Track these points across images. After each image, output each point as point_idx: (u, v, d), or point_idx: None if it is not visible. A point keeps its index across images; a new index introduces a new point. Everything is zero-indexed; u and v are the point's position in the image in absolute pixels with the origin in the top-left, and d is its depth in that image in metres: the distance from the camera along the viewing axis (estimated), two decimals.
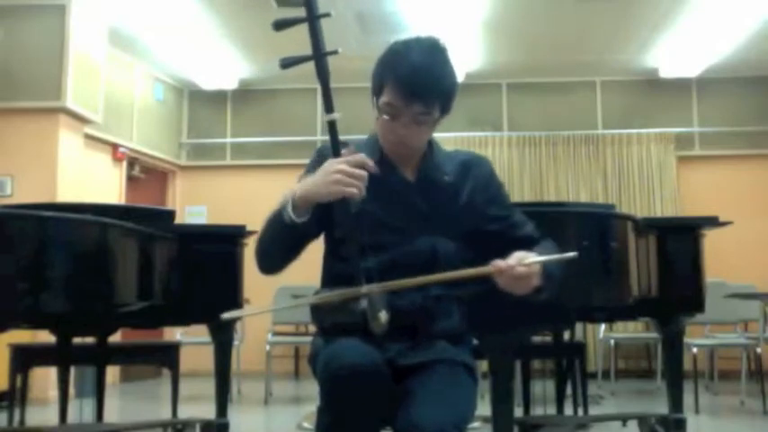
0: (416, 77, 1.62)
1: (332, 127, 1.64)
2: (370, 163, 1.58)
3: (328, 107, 1.65)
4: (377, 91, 1.70)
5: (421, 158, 1.77)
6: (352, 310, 1.55)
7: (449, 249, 1.71)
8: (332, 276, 1.73)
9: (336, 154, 1.62)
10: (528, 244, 1.72)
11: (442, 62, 1.68)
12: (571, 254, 1.60)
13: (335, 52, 1.64)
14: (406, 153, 1.74)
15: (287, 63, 1.65)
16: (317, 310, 1.67)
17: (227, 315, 1.64)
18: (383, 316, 1.54)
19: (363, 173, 1.55)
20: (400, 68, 1.64)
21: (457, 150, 1.89)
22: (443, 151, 1.83)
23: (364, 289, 1.54)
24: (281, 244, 1.68)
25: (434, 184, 1.75)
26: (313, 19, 1.62)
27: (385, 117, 1.67)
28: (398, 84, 1.63)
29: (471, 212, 1.76)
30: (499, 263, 1.56)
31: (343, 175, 1.54)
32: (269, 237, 1.69)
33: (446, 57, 1.70)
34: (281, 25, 1.65)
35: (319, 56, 1.63)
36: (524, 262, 1.56)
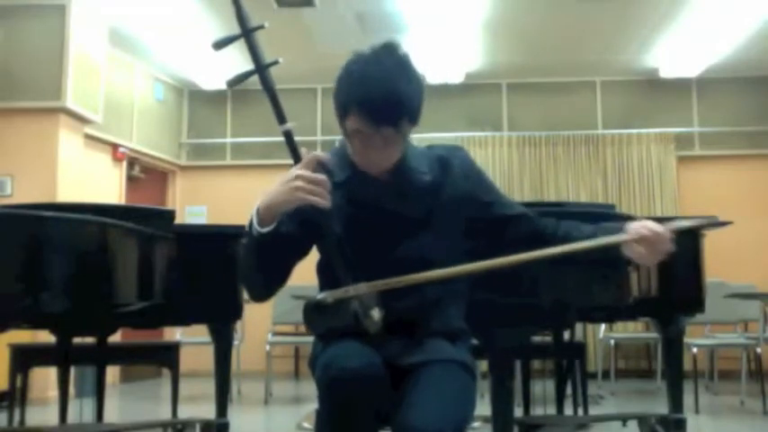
0: (382, 104, 1.56)
1: (287, 137, 1.64)
2: (328, 162, 1.59)
3: (280, 118, 1.65)
4: (341, 115, 1.63)
5: (396, 165, 1.71)
6: (343, 312, 1.54)
7: (437, 250, 1.69)
8: (328, 286, 1.68)
9: (297, 163, 1.61)
10: (525, 221, 1.76)
11: (405, 80, 1.60)
12: (711, 218, 1.62)
13: (276, 62, 1.66)
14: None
15: (232, 82, 1.69)
16: (310, 318, 1.62)
17: (325, 296, 1.60)
18: (376, 314, 1.53)
19: (324, 177, 1.55)
20: (363, 96, 1.57)
21: (431, 146, 1.83)
22: (417, 150, 1.77)
23: (352, 290, 1.54)
24: (257, 261, 1.65)
25: (413, 186, 1.71)
26: (247, 34, 1.64)
27: (354, 141, 1.63)
28: (364, 112, 1.57)
29: (457, 205, 1.74)
30: (640, 230, 1.57)
31: (304, 182, 1.53)
32: (246, 257, 1.67)
33: (409, 70, 1.62)
34: (220, 45, 1.69)
35: (260, 68, 1.65)
36: (670, 227, 1.57)
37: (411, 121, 1.63)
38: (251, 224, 1.60)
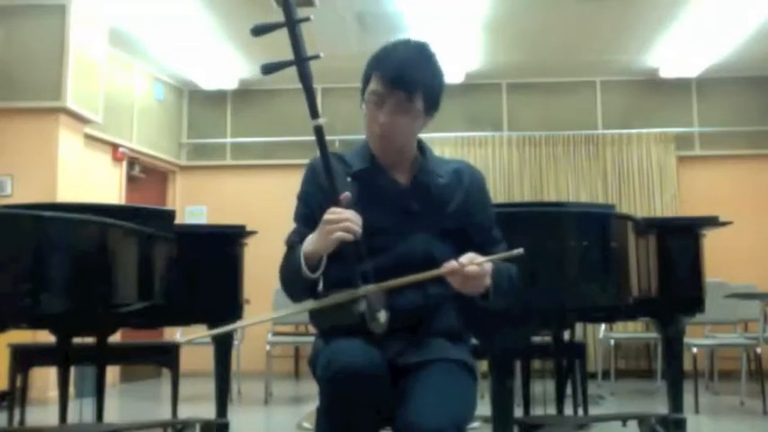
0: (400, 66, 1.68)
1: (318, 132, 1.64)
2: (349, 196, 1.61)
3: (313, 112, 1.65)
4: (364, 86, 1.74)
5: (413, 163, 1.79)
6: (350, 311, 1.55)
7: (444, 250, 1.70)
8: (329, 280, 1.71)
9: (325, 160, 1.63)
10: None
11: (427, 57, 1.75)
12: (517, 251, 1.59)
13: (317, 56, 1.64)
14: (391, 149, 1.74)
15: (268, 69, 1.65)
16: (316, 314, 1.66)
17: (185, 339, 1.62)
18: (382, 316, 1.54)
19: (348, 213, 1.57)
20: (386, 60, 1.71)
21: (452, 159, 1.93)
22: (437, 157, 1.86)
23: (362, 290, 1.54)
24: (302, 288, 1.68)
25: (428, 187, 1.77)
26: (292, 24, 1.62)
27: (369, 106, 1.70)
28: (382, 72, 1.69)
29: (460, 214, 1.78)
30: (451, 263, 1.57)
31: (332, 225, 1.56)
32: (290, 281, 1.70)
33: (432, 56, 1.76)
34: (259, 31, 1.65)
35: (301, 60, 1.63)
36: (475, 261, 1.57)
37: (425, 97, 1.70)
38: (297, 258, 1.62)
